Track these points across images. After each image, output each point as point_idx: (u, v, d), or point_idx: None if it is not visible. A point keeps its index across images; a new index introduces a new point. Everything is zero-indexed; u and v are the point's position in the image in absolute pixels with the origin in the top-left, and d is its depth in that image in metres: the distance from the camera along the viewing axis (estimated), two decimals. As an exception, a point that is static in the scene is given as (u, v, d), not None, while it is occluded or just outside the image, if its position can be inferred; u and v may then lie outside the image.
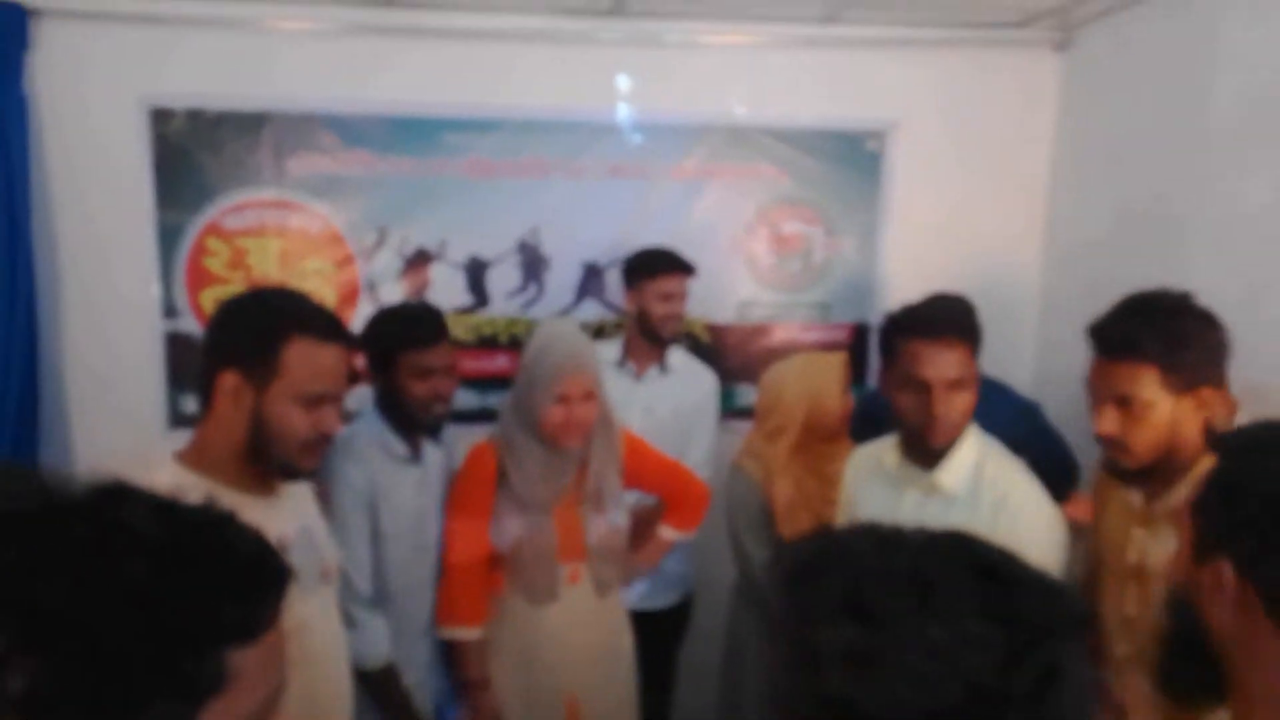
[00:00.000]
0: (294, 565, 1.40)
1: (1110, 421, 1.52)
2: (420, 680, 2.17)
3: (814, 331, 3.21)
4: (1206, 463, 1.40)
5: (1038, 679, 0.51)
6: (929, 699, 0.50)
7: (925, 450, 1.79)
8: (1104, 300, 2.83)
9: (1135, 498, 1.60)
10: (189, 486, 1.28)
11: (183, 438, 2.97)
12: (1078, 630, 0.55)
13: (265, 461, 1.39)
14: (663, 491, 2.33)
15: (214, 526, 0.70)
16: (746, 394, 3.13)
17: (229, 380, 1.35)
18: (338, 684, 1.53)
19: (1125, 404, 1.50)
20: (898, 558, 0.57)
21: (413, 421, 2.11)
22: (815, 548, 0.60)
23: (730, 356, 3.16)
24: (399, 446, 2.10)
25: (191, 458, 1.39)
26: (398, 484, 2.10)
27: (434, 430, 2.21)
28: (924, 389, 1.72)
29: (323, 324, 1.40)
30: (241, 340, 1.37)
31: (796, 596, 0.56)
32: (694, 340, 3.13)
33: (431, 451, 2.22)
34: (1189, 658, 0.89)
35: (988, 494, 1.75)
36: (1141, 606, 1.58)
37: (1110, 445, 1.54)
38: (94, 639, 0.59)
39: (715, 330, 3.17)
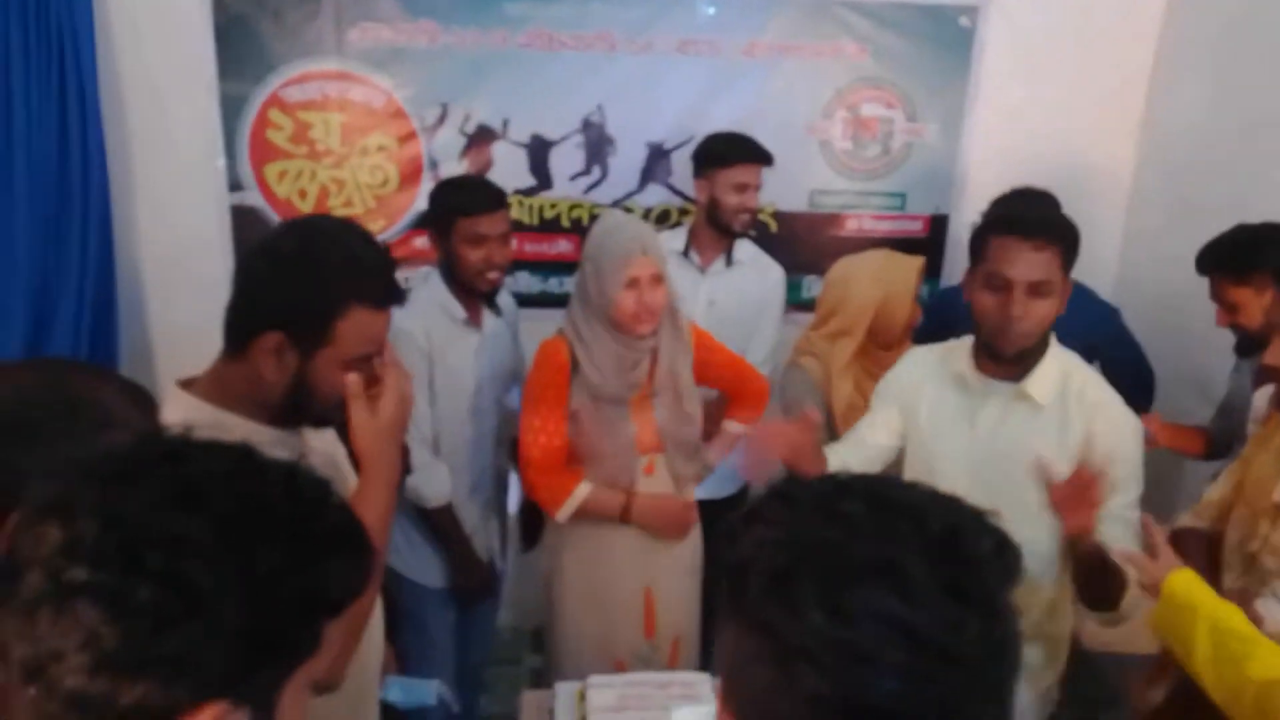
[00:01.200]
0: None
1: None
2: (470, 534, 2.26)
3: (888, 222, 3.08)
4: None
5: (994, 643, 0.58)
6: (911, 682, 0.55)
7: (997, 357, 1.70)
8: (1196, 207, 2.69)
9: None
10: (206, 420, 1.25)
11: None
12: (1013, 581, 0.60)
13: (299, 414, 1.33)
14: (727, 386, 2.31)
15: (324, 499, 0.72)
16: (814, 286, 3.04)
17: (271, 340, 1.24)
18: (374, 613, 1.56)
19: None
20: (863, 545, 0.59)
21: (469, 287, 2.18)
22: (787, 547, 0.61)
23: (798, 246, 3.06)
24: (458, 309, 2.19)
25: (207, 391, 1.30)
26: (454, 345, 2.18)
27: (490, 298, 2.26)
28: (1005, 288, 1.62)
29: (382, 290, 1.31)
30: (294, 307, 1.25)
31: (776, 600, 0.59)
32: (762, 229, 3.03)
33: (491, 321, 2.27)
34: None
35: (1076, 403, 1.70)
36: (1265, 545, 1.53)
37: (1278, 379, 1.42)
38: (226, 611, 0.62)
39: (784, 218, 3.06)
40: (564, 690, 1.92)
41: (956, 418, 1.79)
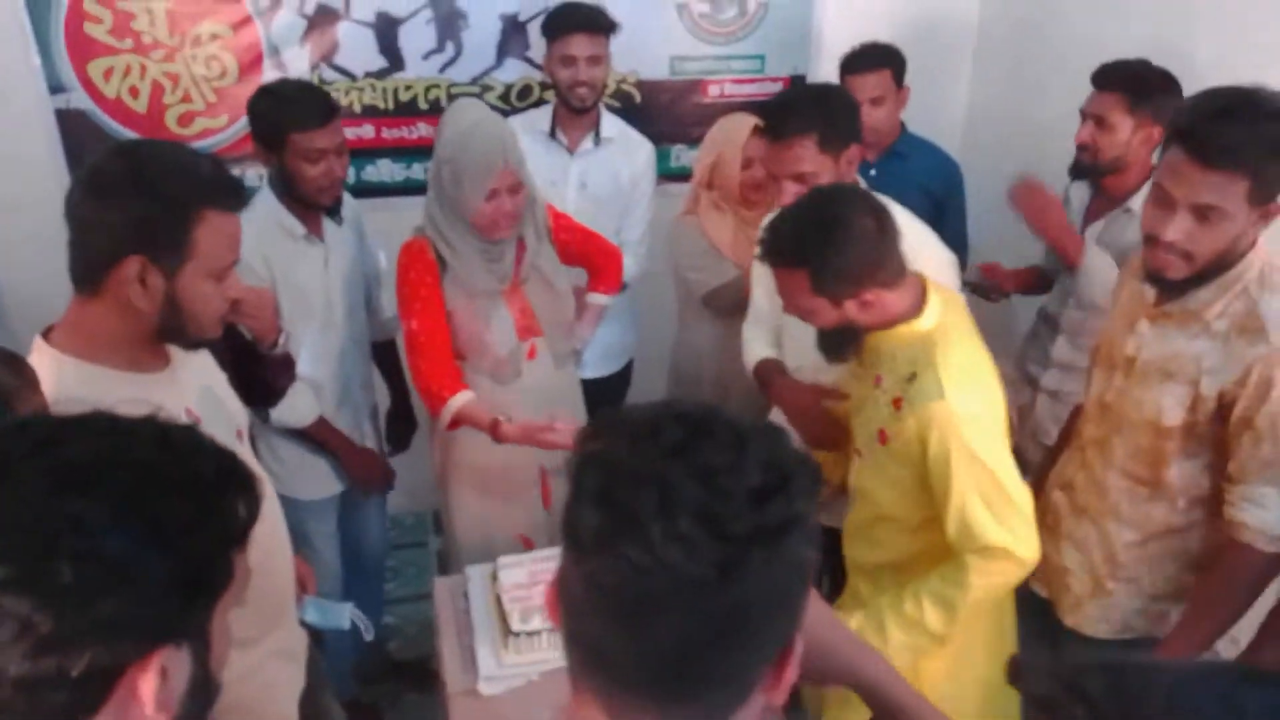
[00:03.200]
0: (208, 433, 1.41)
1: (1180, 230, 1.42)
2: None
3: (749, 85, 3.10)
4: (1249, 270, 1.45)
5: (723, 573, 0.62)
6: (645, 582, 0.62)
7: None
8: (1039, 49, 2.80)
9: (1149, 291, 1.57)
10: (70, 376, 1.24)
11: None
12: (781, 534, 0.64)
13: (174, 340, 1.33)
14: (585, 261, 2.34)
15: (198, 445, 0.76)
16: (681, 155, 3.08)
17: (132, 267, 1.22)
18: (274, 527, 1.57)
19: (1203, 214, 1.40)
20: (647, 459, 0.65)
21: (309, 203, 2.09)
22: (587, 452, 0.69)
23: (663, 115, 3.06)
24: (296, 226, 2.09)
25: (69, 342, 1.28)
26: (298, 263, 2.10)
27: (332, 210, 2.17)
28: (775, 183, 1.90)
29: (231, 192, 1.30)
30: (147, 225, 1.22)
31: (572, 486, 0.68)
32: (626, 99, 3.00)
33: (333, 230, 2.19)
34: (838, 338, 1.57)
35: None
36: (1121, 397, 1.64)
37: (1167, 251, 1.45)
38: (146, 569, 0.67)
39: (646, 87, 3.04)
40: (476, 573, 2.01)
41: None
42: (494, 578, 1.96)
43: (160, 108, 2.72)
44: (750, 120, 2.35)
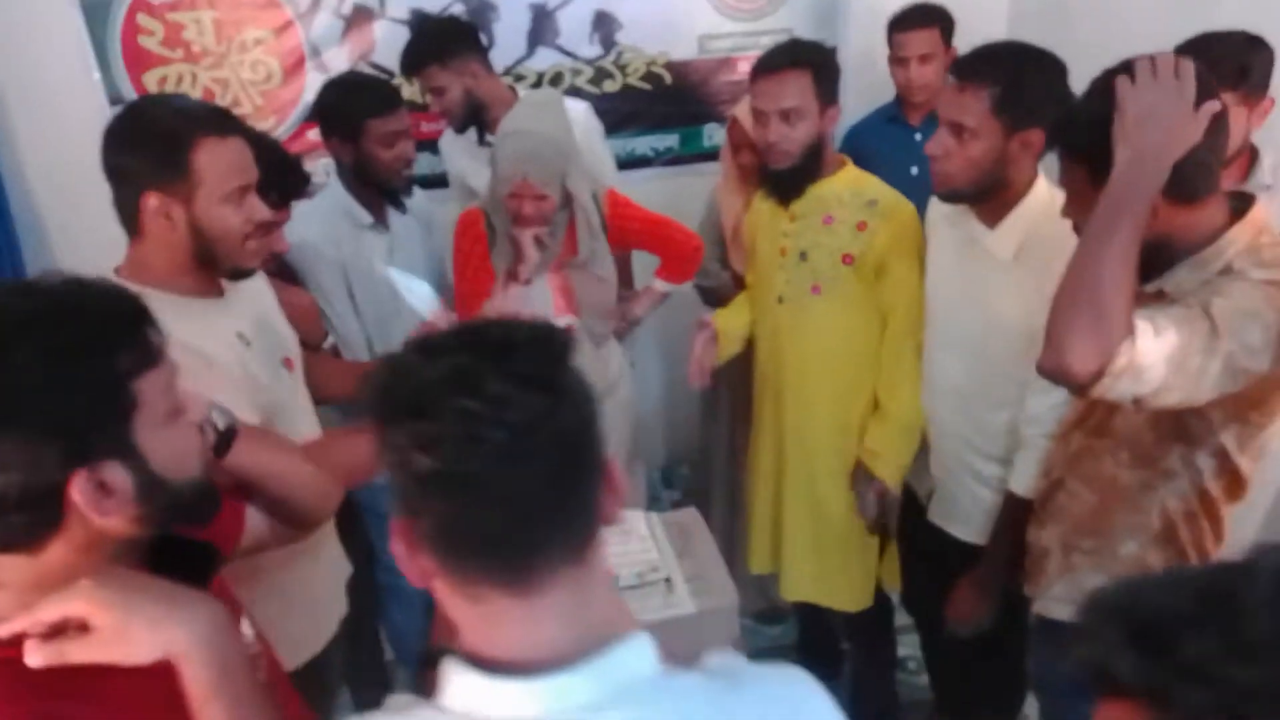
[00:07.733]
0: (258, 357, 1.49)
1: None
2: None
3: (779, 61, 3.09)
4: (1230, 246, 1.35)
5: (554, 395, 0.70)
6: (487, 428, 0.67)
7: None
8: (1071, 22, 2.72)
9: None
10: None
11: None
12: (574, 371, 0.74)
13: (214, 266, 1.43)
14: (654, 247, 2.36)
15: (79, 293, 0.84)
16: (715, 134, 3.09)
17: (152, 201, 1.34)
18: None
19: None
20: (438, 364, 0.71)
21: (383, 188, 2.18)
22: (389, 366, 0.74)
23: (694, 94, 3.08)
24: (363, 215, 2.19)
25: (132, 275, 1.38)
26: (366, 251, 2.19)
27: (397, 196, 2.25)
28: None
29: (219, 119, 1.39)
30: (148, 160, 1.34)
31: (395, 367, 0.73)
32: (657, 80, 3.03)
33: (399, 220, 2.27)
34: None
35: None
36: None
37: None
38: (33, 415, 0.77)
39: (676, 68, 3.06)
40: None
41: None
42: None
43: (212, 113, 2.85)
44: None
